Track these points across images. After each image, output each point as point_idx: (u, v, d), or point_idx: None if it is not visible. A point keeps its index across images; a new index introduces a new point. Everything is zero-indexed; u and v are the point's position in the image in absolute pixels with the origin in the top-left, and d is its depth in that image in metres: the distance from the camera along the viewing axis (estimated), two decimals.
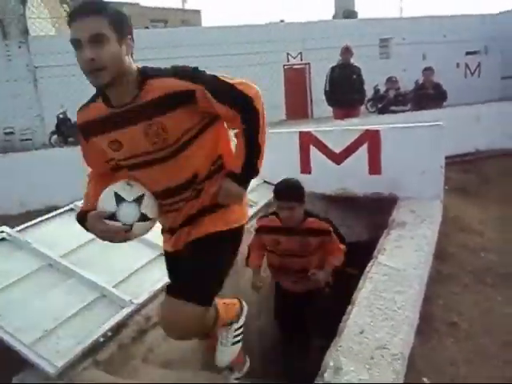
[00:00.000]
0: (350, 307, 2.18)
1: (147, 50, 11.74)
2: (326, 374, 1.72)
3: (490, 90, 13.07)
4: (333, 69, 5.72)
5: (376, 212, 3.54)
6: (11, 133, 12.93)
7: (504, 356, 2.08)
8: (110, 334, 2.22)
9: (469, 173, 5.11)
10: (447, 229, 3.33)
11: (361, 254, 3.01)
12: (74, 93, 11.17)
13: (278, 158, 3.90)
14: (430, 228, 2.96)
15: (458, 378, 1.93)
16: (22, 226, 2.84)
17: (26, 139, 12.95)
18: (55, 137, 11.89)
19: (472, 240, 3.28)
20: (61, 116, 11.66)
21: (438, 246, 3.02)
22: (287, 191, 2.52)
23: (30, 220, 3.03)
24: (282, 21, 18.33)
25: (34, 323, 2.16)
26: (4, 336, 2.07)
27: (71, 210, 3.15)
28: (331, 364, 1.77)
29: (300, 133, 3.86)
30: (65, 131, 11.51)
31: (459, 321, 2.33)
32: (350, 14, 19.07)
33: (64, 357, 2.03)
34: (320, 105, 13.62)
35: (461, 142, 5.23)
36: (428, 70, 6.62)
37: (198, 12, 29.95)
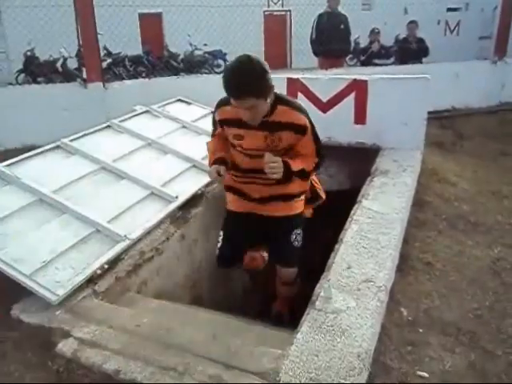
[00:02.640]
0: (337, 246, 2.32)
1: None
2: (317, 302, 1.87)
3: (468, 49, 13.13)
4: (320, 16, 5.61)
5: (359, 161, 3.65)
6: None
7: (471, 290, 2.30)
8: (106, 266, 2.30)
9: (445, 129, 5.28)
10: (425, 179, 3.50)
11: (343, 202, 3.16)
12: (43, 28, 10.48)
13: None
14: (410, 176, 3.12)
15: (431, 309, 2.14)
16: (9, 162, 2.79)
17: None
18: (23, 75, 11.25)
19: (447, 190, 3.47)
20: (28, 53, 10.99)
21: (416, 195, 3.18)
22: (238, 86, 1.87)
23: (10, 158, 2.98)
24: None
25: (31, 255, 2.20)
26: (3, 266, 2.11)
27: (57, 147, 3.11)
28: (322, 294, 1.92)
29: (288, 79, 3.85)
30: (33, 70, 10.89)
31: (433, 261, 2.52)
32: None
33: (64, 286, 2.09)
34: (299, 55, 13.42)
35: (439, 99, 5.35)
36: (412, 23, 6.60)
37: None
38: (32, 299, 2.12)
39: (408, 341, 1.88)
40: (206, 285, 3.00)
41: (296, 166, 2.15)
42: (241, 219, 2.48)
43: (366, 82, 3.54)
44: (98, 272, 2.25)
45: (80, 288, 2.16)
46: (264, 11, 14.71)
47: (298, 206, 2.45)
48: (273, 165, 2.03)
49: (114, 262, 2.34)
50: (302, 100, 3.81)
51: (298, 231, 2.45)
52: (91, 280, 2.22)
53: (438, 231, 2.89)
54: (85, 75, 5.11)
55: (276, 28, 14.75)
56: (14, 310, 2.08)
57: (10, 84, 11.17)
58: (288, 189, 2.32)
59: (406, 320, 2.03)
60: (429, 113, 3.76)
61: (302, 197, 2.47)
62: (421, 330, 1.97)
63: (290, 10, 14.77)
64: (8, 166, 2.74)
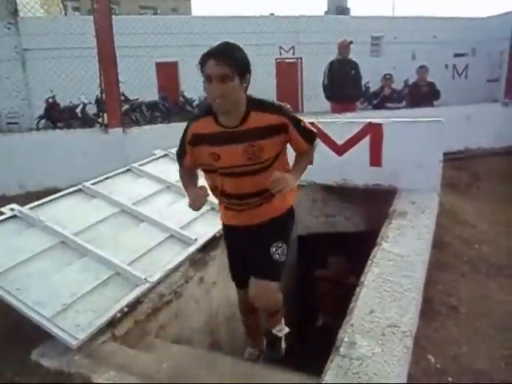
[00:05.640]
0: (358, 289, 2.28)
1: (137, 36, 11.67)
2: (341, 348, 1.82)
3: (476, 91, 13.34)
4: (332, 63, 5.79)
5: (375, 203, 3.65)
6: None
7: (500, 337, 2.22)
8: (126, 310, 2.28)
9: (460, 170, 5.28)
10: (443, 221, 3.47)
11: (359, 244, 3.13)
12: (63, 76, 10.99)
13: None
14: (429, 218, 3.09)
15: (460, 356, 2.06)
16: (33, 205, 2.86)
17: (13, 123, 12.66)
18: (43, 121, 11.69)
19: (466, 232, 3.43)
20: (50, 100, 11.48)
21: (435, 237, 3.14)
22: (219, 48, 1.71)
23: (32, 201, 3.05)
24: (271, 14, 18.23)
25: (51, 298, 2.21)
26: (24, 309, 2.11)
27: (79, 190, 3.18)
28: (346, 339, 1.88)
29: None
30: (54, 115, 11.33)
31: (458, 305, 2.46)
32: (343, 10, 19.20)
33: (84, 330, 2.08)
34: (310, 100, 13.80)
35: (452, 141, 5.38)
36: (422, 68, 6.77)
37: (188, 1, 29.73)
38: (52, 342, 2.10)
39: None
40: (225, 329, 2.95)
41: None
42: (234, 232, 2.16)
43: (380, 125, 3.60)
44: (118, 315, 2.23)
45: (100, 331, 2.14)
46: (276, 59, 15.25)
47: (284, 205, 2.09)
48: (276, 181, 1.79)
49: (133, 305, 2.33)
50: (317, 142, 3.88)
51: (280, 244, 2.03)
52: (111, 323, 2.20)
53: (460, 274, 2.83)
54: (106, 121, 5.28)
55: (288, 74, 15.22)
56: (34, 355, 2.06)
57: (31, 129, 11.63)
58: (283, 203, 2.06)
59: (434, 367, 1.96)
60: (443, 154, 3.78)
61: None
62: (450, 379, 1.90)
63: (301, 58, 15.30)
64: (32, 208, 2.80)
